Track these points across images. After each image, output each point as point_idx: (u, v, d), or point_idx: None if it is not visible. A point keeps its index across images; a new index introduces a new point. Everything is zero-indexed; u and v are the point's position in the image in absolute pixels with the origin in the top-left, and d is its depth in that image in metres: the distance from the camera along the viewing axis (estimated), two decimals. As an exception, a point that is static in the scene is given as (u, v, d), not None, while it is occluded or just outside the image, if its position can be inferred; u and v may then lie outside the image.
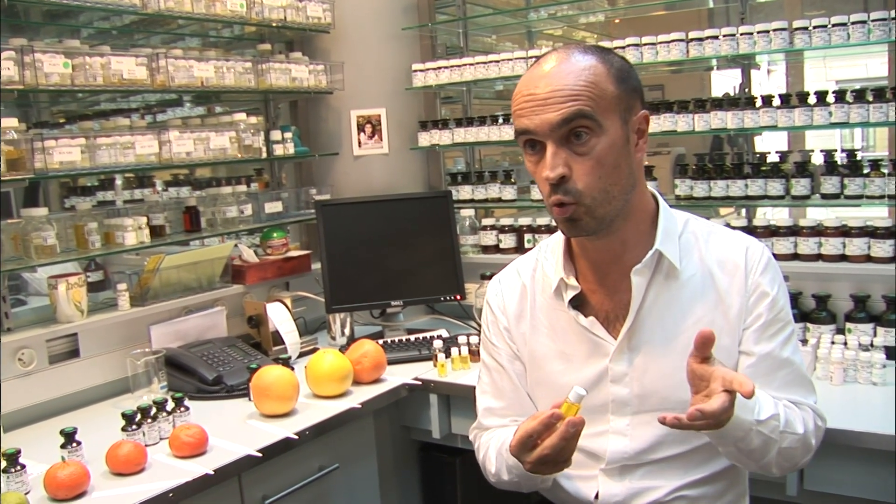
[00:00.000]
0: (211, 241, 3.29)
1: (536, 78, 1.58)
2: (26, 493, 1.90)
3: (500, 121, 3.40)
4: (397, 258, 3.17)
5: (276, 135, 3.27)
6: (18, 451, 1.94)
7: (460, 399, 2.64)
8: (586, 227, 1.60)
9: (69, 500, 1.91)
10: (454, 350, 2.76)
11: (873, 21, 2.57)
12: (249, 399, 2.48)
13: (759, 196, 2.83)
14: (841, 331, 2.60)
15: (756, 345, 1.68)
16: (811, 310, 2.68)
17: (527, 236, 3.34)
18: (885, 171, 2.61)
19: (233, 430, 2.29)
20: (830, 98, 2.66)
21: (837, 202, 2.72)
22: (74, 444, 2.05)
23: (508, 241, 3.39)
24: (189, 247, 3.24)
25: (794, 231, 2.77)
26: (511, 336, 1.87)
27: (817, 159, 2.81)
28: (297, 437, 2.25)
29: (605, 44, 2.97)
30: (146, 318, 2.77)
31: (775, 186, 2.79)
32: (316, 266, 3.33)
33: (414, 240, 3.20)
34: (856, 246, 2.65)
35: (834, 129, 2.73)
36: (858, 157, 2.70)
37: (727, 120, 2.84)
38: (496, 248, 3.43)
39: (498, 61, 3.36)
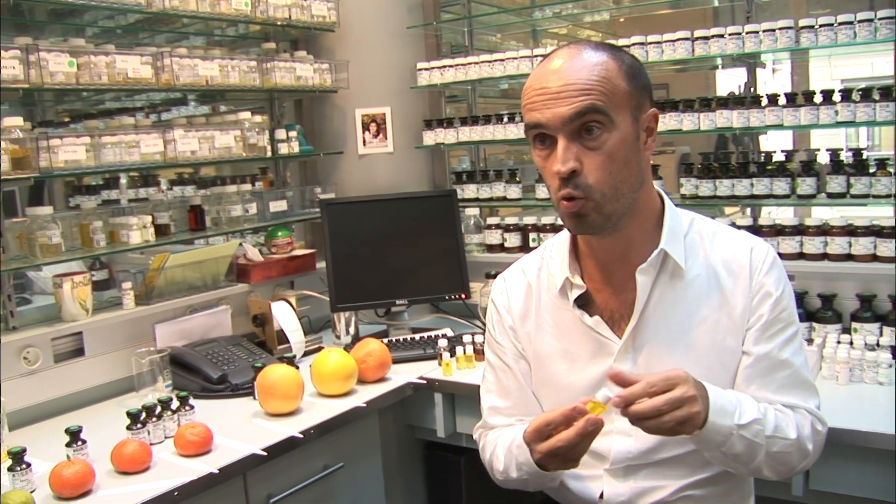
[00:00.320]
0: (216, 240, 3.29)
1: (548, 72, 1.58)
2: (32, 492, 1.90)
3: (505, 120, 3.40)
4: (402, 257, 3.17)
5: (280, 133, 3.27)
6: (24, 450, 1.94)
7: (465, 398, 2.64)
8: (593, 224, 1.59)
9: (74, 499, 1.91)
10: (459, 349, 2.75)
11: (880, 19, 2.56)
12: (254, 398, 2.48)
13: (764, 195, 2.82)
14: (847, 330, 2.59)
15: (755, 345, 1.68)
16: (817, 309, 2.67)
17: (532, 235, 3.33)
18: (892, 170, 2.60)
19: (237, 429, 2.29)
20: (836, 97, 2.65)
21: (843, 201, 2.71)
22: (79, 443, 2.05)
23: (513, 239, 3.38)
24: (194, 245, 3.25)
25: (799, 230, 2.76)
26: (516, 335, 1.86)
27: (823, 158, 2.80)
28: (301, 435, 2.25)
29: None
30: (151, 316, 2.77)
31: (781, 185, 2.79)
32: (321, 265, 3.33)
33: (419, 239, 3.20)
34: (862, 245, 2.64)
35: (840, 128, 2.73)
36: (864, 156, 2.69)
37: (733, 119, 2.83)
38: (501, 247, 3.42)
39: (503, 60, 3.35)
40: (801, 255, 2.76)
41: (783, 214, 3.12)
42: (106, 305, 2.78)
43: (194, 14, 2.89)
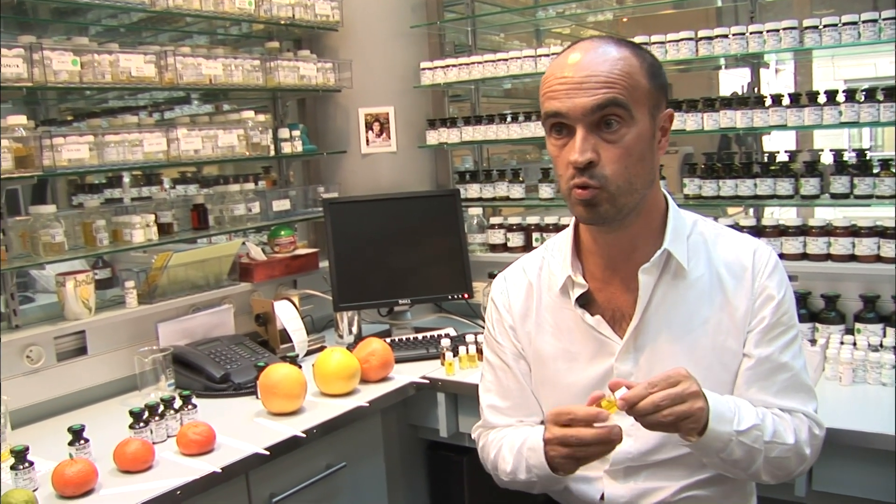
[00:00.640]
0: (219, 239, 3.29)
1: (571, 63, 1.58)
2: (34, 490, 1.90)
3: (509, 119, 3.40)
4: (405, 256, 3.17)
5: (284, 133, 3.27)
6: (26, 449, 1.95)
7: (468, 398, 2.64)
8: (604, 214, 1.59)
9: (77, 498, 1.91)
10: (462, 349, 2.75)
11: (884, 20, 2.56)
12: (257, 397, 2.48)
13: (767, 196, 2.81)
14: (850, 331, 2.59)
15: (756, 347, 1.68)
16: (820, 310, 2.67)
17: (535, 235, 3.33)
18: (895, 170, 2.60)
19: (240, 428, 2.29)
20: (840, 97, 2.65)
21: (847, 202, 2.70)
22: (82, 442, 2.06)
23: (516, 239, 3.38)
24: (197, 244, 3.25)
25: (803, 231, 2.76)
26: (516, 335, 1.86)
27: (826, 159, 2.80)
28: (304, 435, 2.25)
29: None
30: (154, 315, 2.77)
31: (784, 186, 2.78)
32: (323, 264, 3.33)
33: (422, 238, 3.20)
34: (865, 246, 2.64)
35: (843, 128, 2.72)
36: (868, 157, 2.69)
37: (736, 119, 2.83)
38: (504, 247, 3.42)
39: (506, 60, 3.35)
40: (804, 256, 2.75)
41: (786, 215, 3.12)
42: (109, 304, 2.79)
43: (198, 13, 2.89)
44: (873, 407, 2.21)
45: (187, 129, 2.82)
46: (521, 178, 3.43)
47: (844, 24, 2.62)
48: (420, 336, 3.06)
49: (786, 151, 2.89)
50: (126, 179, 3.76)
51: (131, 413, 2.18)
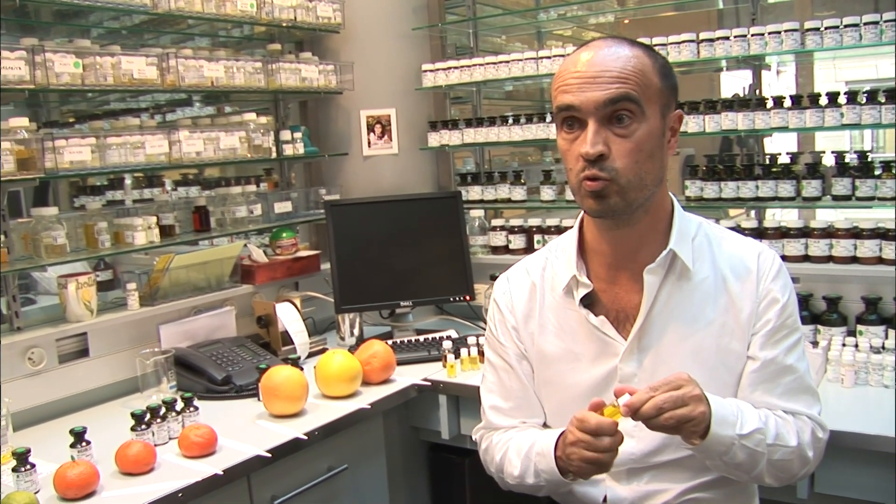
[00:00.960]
0: (220, 241, 3.29)
1: (585, 59, 1.59)
2: (36, 493, 1.91)
3: (510, 121, 3.40)
4: (406, 258, 3.17)
5: (285, 135, 3.27)
6: (28, 451, 1.95)
7: (470, 400, 2.64)
8: (614, 207, 1.60)
9: (78, 500, 1.91)
10: (463, 351, 2.75)
11: (885, 22, 2.55)
12: (259, 399, 2.48)
13: (769, 197, 2.81)
14: (852, 333, 2.59)
15: (761, 350, 1.68)
16: (822, 312, 2.67)
17: (536, 237, 3.33)
18: (897, 172, 2.60)
19: (242, 431, 2.29)
20: (842, 99, 2.65)
21: (848, 203, 2.70)
22: (84, 444, 2.06)
23: (518, 241, 3.38)
24: (198, 246, 3.25)
25: (804, 233, 2.76)
26: (519, 335, 1.86)
27: (828, 160, 2.80)
28: (306, 437, 2.25)
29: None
30: (155, 317, 2.77)
31: (786, 188, 2.78)
32: (325, 266, 3.33)
33: (423, 240, 3.20)
34: (867, 248, 2.63)
35: (845, 130, 2.72)
36: (869, 159, 2.69)
37: (738, 121, 2.83)
38: (506, 249, 3.42)
39: (508, 62, 3.35)
40: (806, 258, 2.75)
41: (788, 216, 3.12)
42: (110, 306, 2.79)
43: (200, 15, 2.89)
44: (875, 409, 2.20)
45: (189, 132, 2.82)
46: (522, 180, 3.43)
47: (846, 25, 2.62)
48: (422, 338, 3.06)
49: (787, 153, 2.89)
50: (128, 181, 3.76)
51: (133, 415, 2.18)
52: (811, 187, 2.74)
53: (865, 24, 2.59)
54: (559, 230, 3.24)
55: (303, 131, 3.39)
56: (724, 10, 3.57)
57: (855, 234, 2.67)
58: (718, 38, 2.87)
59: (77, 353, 2.60)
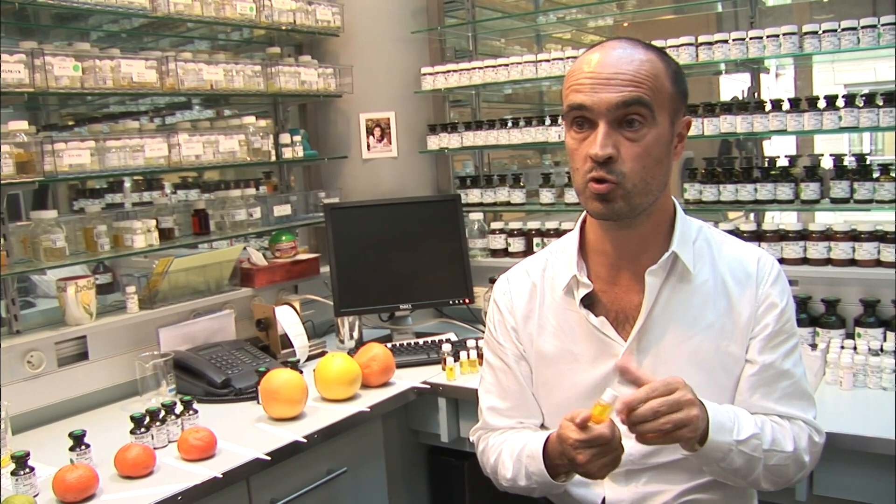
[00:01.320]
0: (220, 244, 3.29)
1: (599, 59, 1.59)
2: (35, 496, 1.90)
3: (510, 124, 3.40)
4: (406, 262, 3.17)
5: (285, 138, 3.27)
6: (27, 454, 1.94)
7: (469, 403, 2.63)
8: (618, 211, 1.60)
9: (78, 503, 1.91)
10: (463, 354, 2.76)
11: (883, 25, 2.56)
12: (258, 402, 2.48)
13: (768, 200, 2.82)
14: (850, 335, 2.60)
15: (760, 354, 1.69)
16: (820, 314, 2.67)
17: (535, 240, 3.34)
18: (895, 174, 2.60)
19: (241, 434, 2.29)
20: (840, 102, 2.65)
21: (847, 206, 2.71)
22: (83, 447, 2.06)
23: (517, 244, 3.38)
24: (198, 250, 3.24)
25: (803, 235, 2.76)
26: (518, 336, 1.86)
27: (827, 163, 2.80)
28: (305, 440, 2.25)
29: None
30: (155, 320, 2.77)
31: (784, 190, 2.79)
32: (324, 269, 3.33)
33: (422, 243, 3.20)
34: (865, 250, 2.64)
35: (843, 133, 2.73)
36: (868, 161, 2.69)
37: (736, 124, 2.83)
38: (505, 252, 3.42)
39: (507, 65, 3.36)
40: (804, 260, 2.75)
41: (787, 219, 3.11)
42: (110, 309, 2.79)
43: (199, 18, 2.90)
44: (874, 411, 2.21)
45: (188, 135, 2.82)
46: (521, 184, 3.44)
47: (844, 29, 2.63)
48: (421, 341, 3.07)
49: (786, 156, 2.90)
50: (127, 185, 3.76)
51: (132, 418, 2.18)
52: (809, 190, 2.75)
53: (863, 27, 2.59)
54: (558, 233, 3.24)
55: (302, 134, 3.39)
56: (722, 13, 3.57)
57: (853, 236, 2.68)
58: (717, 42, 2.88)
59: (76, 357, 2.60)
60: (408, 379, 2.73)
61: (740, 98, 3.26)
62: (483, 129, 3.46)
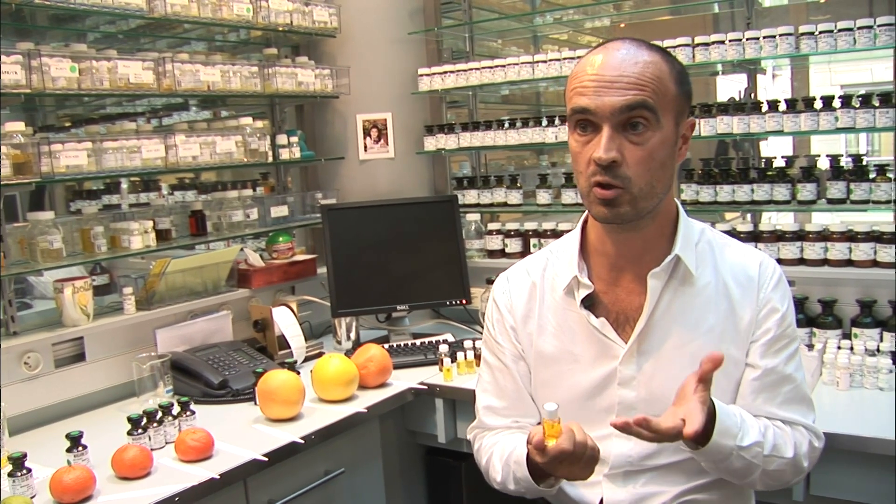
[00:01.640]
0: (217, 245, 3.29)
1: (603, 61, 1.58)
2: (32, 497, 1.90)
3: (506, 125, 3.40)
4: (403, 262, 3.17)
5: (282, 139, 3.27)
6: (24, 455, 1.94)
7: (466, 404, 2.64)
8: (624, 215, 1.60)
9: (75, 504, 1.91)
10: (460, 354, 2.76)
11: (879, 26, 2.57)
12: (255, 403, 2.48)
13: (764, 201, 2.82)
14: (847, 336, 2.60)
15: (762, 358, 1.69)
16: (817, 315, 2.68)
17: (532, 241, 3.34)
18: (891, 175, 2.61)
19: (238, 435, 2.29)
20: (836, 103, 2.66)
21: (843, 207, 2.71)
22: (80, 448, 2.05)
23: (514, 245, 3.39)
24: (195, 251, 3.24)
25: (799, 236, 2.77)
26: (517, 335, 1.86)
27: (823, 164, 2.81)
28: (302, 441, 2.25)
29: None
30: (152, 321, 2.77)
31: (781, 191, 2.79)
32: (321, 270, 3.33)
33: (420, 244, 3.20)
34: (862, 251, 2.64)
35: (840, 134, 2.73)
36: (864, 162, 2.70)
37: (733, 125, 2.84)
38: (502, 253, 3.42)
39: (504, 66, 3.36)
40: (801, 261, 2.76)
41: (783, 220, 3.12)
42: (107, 310, 2.78)
43: (196, 19, 2.89)
44: (870, 411, 2.21)
45: (185, 136, 2.82)
46: (518, 184, 3.44)
47: (840, 30, 2.63)
48: (418, 342, 3.07)
49: (783, 157, 2.90)
50: (124, 186, 3.77)
51: (129, 419, 2.18)
52: (806, 191, 2.75)
53: (860, 28, 2.60)
54: (555, 234, 3.25)
55: (299, 135, 3.39)
56: (719, 14, 3.58)
57: (850, 237, 2.68)
58: (714, 42, 2.88)
59: (73, 358, 2.60)
60: (405, 380, 2.73)
61: (737, 99, 3.27)
62: (480, 129, 3.46)
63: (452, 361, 2.74)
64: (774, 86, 4.24)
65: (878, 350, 2.44)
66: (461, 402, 2.69)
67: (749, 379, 1.70)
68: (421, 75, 3.55)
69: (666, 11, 3.62)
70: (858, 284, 2.64)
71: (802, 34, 2.71)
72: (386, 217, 3.21)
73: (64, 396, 2.56)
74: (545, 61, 3.25)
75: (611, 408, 1.73)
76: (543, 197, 3.33)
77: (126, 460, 2.02)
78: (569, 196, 3.21)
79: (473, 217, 3.52)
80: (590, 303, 1.75)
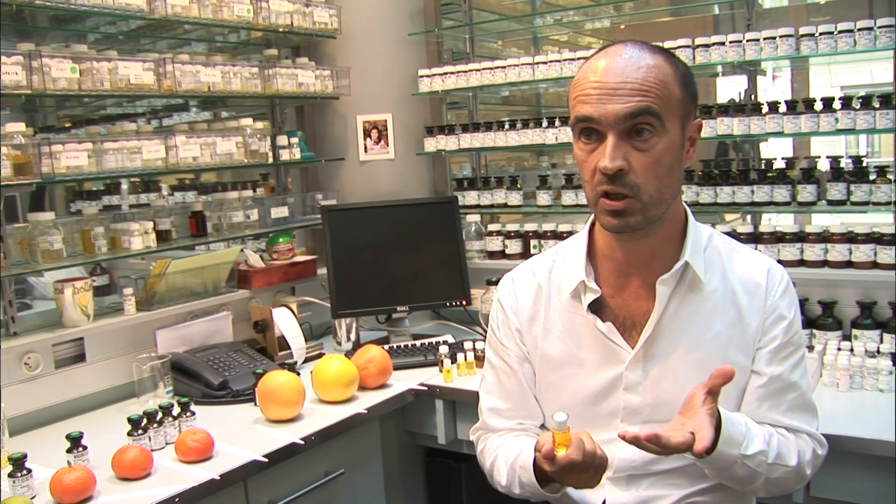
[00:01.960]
0: (217, 246, 3.29)
1: (605, 67, 1.56)
2: (32, 498, 1.90)
3: (507, 126, 3.40)
4: (403, 263, 3.17)
5: (282, 140, 3.27)
6: (24, 456, 1.94)
7: (466, 405, 2.64)
8: (634, 224, 1.58)
9: (75, 505, 1.91)
10: (460, 356, 2.76)
11: (879, 28, 2.57)
12: (255, 404, 2.48)
13: (765, 202, 2.82)
14: (847, 337, 2.60)
15: (768, 366, 1.68)
16: (817, 316, 2.67)
17: (532, 242, 3.34)
18: (891, 177, 2.61)
19: (238, 436, 2.29)
20: (836, 104, 2.66)
21: (843, 208, 2.71)
22: (80, 449, 2.05)
23: (514, 246, 3.39)
24: (195, 251, 3.24)
25: (800, 237, 2.77)
26: (522, 338, 1.85)
27: (823, 165, 2.81)
28: (302, 442, 2.25)
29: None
30: (152, 322, 2.77)
31: (781, 193, 2.79)
32: (322, 271, 3.33)
33: (420, 245, 3.20)
34: (862, 252, 2.64)
35: (840, 135, 2.73)
36: (864, 164, 2.70)
37: (733, 126, 2.84)
38: (502, 254, 3.43)
39: (504, 67, 3.36)
40: (801, 262, 2.76)
41: (783, 221, 3.12)
42: (107, 311, 2.78)
43: (196, 20, 2.90)
44: (870, 413, 2.21)
45: (186, 137, 2.82)
46: (518, 185, 3.44)
47: (840, 31, 2.63)
48: (418, 343, 3.07)
49: (783, 158, 2.90)
50: (124, 186, 3.77)
51: (130, 420, 2.18)
52: (806, 192, 2.75)
53: (860, 29, 2.60)
54: (555, 235, 3.25)
55: (299, 136, 3.39)
56: (719, 15, 3.58)
57: (850, 238, 2.68)
58: (714, 44, 2.88)
59: (73, 359, 2.60)
60: (405, 381, 2.73)
61: (737, 100, 3.27)
62: (480, 131, 3.46)
63: (452, 362, 2.74)
64: (774, 87, 4.24)
65: (878, 351, 2.44)
66: (461, 404, 2.69)
67: (754, 386, 1.69)
68: (421, 76, 3.55)
69: (666, 13, 3.62)
70: (858, 286, 2.64)
71: (803, 35, 2.71)
72: (386, 218, 3.21)
73: (64, 397, 2.56)
74: (545, 62, 3.26)
75: (615, 412, 1.73)
76: (543, 198, 3.33)
77: (126, 461, 2.02)
78: (569, 197, 3.21)
79: (473, 218, 3.52)
80: (596, 307, 1.74)
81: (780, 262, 2.66)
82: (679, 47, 2.92)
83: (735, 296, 1.70)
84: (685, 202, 2.88)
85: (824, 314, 2.66)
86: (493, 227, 3.47)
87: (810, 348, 2.60)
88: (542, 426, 1.87)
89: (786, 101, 2.78)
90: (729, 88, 3.99)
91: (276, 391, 2.39)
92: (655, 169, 1.54)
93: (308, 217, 3.48)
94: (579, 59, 3.15)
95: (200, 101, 3.60)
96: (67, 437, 2.06)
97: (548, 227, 3.32)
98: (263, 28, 3.15)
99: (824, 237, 2.73)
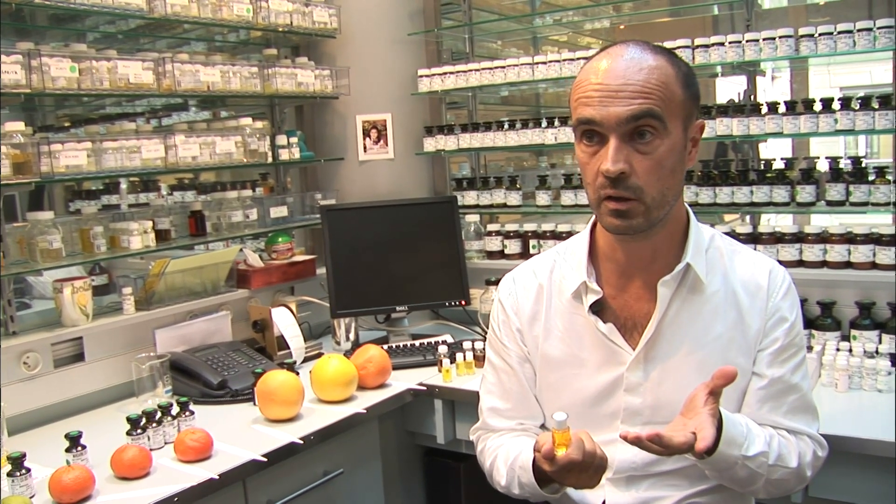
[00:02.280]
0: (216, 246, 3.29)
1: (607, 69, 1.54)
2: (31, 497, 1.90)
3: (506, 126, 3.40)
4: (402, 263, 3.17)
5: (281, 139, 3.27)
6: (23, 455, 1.94)
7: (465, 404, 2.64)
8: (637, 226, 1.58)
9: (74, 504, 1.91)
10: (459, 355, 2.76)
11: (879, 28, 2.57)
12: (254, 404, 2.48)
13: (764, 203, 2.82)
14: (846, 338, 2.60)
15: (769, 368, 1.68)
16: (816, 316, 2.68)
17: (532, 242, 3.34)
18: (890, 177, 2.61)
19: (238, 435, 2.29)
20: (836, 105, 2.66)
21: (842, 209, 2.71)
22: (79, 448, 2.05)
23: (513, 246, 3.39)
24: (194, 251, 3.24)
25: (799, 238, 2.77)
26: (523, 338, 1.84)
27: (822, 166, 2.81)
28: (301, 441, 2.25)
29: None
30: (151, 322, 2.77)
31: (780, 193, 2.79)
32: (321, 271, 3.33)
33: (419, 245, 3.20)
34: (861, 253, 2.65)
35: (839, 136, 2.73)
36: (863, 164, 2.70)
37: (732, 126, 2.84)
38: (501, 254, 3.43)
39: (503, 67, 3.36)
40: (800, 263, 2.76)
41: (782, 222, 3.13)
42: (106, 311, 2.78)
43: (196, 20, 2.90)
44: (869, 413, 2.21)
45: (185, 136, 2.82)
46: (518, 186, 3.44)
47: (840, 32, 2.64)
48: (417, 343, 3.07)
49: (782, 159, 2.90)
50: (123, 186, 3.77)
51: (129, 420, 2.18)
52: (805, 193, 2.75)
53: (859, 30, 2.60)
54: (555, 235, 3.25)
55: (299, 136, 3.39)
56: (719, 15, 3.59)
57: (849, 239, 2.68)
58: (714, 44, 2.88)
59: (72, 358, 2.60)
60: (404, 380, 2.73)
61: (736, 100, 3.27)
62: (479, 131, 3.46)
63: (451, 362, 2.74)
64: (774, 88, 4.24)
65: (876, 352, 2.44)
66: (460, 403, 2.69)
67: (755, 388, 1.69)
68: (421, 76, 3.55)
69: (665, 13, 3.63)
70: (857, 286, 2.65)
71: (802, 36, 2.71)
72: (385, 218, 3.21)
73: (63, 396, 2.56)
74: (545, 63, 3.26)
75: (616, 413, 1.73)
76: (543, 198, 3.33)
77: (125, 460, 2.02)
78: (568, 197, 3.21)
79: (473, 218, 3.52)
80: (597, 308, 1.74)
81: (779, 262, 2.69)
82: (678, 48, 2.92)
83: (736, 297, 1.70)
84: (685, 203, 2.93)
85: (823, 315, 2.66)
86: (492, 227, 3.47)
87: (809, 349, 2.59)
88: (543, 426, 1.87)
89: (785, 102, 2.78)
90: (728, 89, 3.99)
91: (275, 391, 2.39)
92: (658, 171, 1.54)
93: (307, 217, 3.48)
94: (579, 59, 3.15)
95: (200, 100, 3.60)
96: (66, 436, 2.06)
97: (547, 227, 3.32)
98: (263, 27, 3.15)
99: (823, 238, 2.73)
